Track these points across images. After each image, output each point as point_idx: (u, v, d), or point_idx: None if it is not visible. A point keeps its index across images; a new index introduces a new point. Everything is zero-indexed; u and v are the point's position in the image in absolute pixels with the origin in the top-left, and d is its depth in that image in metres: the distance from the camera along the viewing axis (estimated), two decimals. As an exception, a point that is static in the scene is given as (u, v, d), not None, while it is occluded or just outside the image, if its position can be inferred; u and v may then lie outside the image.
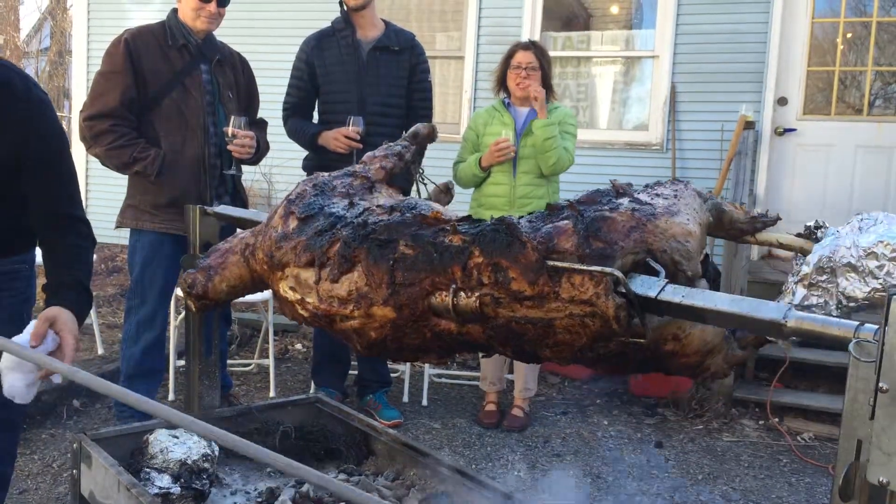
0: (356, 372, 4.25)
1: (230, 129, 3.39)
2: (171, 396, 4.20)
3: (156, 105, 3.38)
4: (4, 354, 1.82)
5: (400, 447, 2.28)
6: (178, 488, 2.02)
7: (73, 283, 2.05)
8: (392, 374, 4.34)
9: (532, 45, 4.07)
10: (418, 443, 2.75)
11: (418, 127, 2.23)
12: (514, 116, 4.02)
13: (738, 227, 1.68)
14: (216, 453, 2.14)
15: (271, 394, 4.35)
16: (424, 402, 4.38)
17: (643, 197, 1.49)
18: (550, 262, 1.35)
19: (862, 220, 1.44)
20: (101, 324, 4.97)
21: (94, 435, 2.19)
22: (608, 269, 1.30)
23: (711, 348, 1.49)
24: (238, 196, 3.65)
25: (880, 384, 1.02)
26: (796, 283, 1.43)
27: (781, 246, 1.66)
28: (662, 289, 1.30)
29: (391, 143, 2.14)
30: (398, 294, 1.52)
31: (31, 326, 1.89)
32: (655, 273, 1.34)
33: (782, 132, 5.73)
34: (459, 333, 1.51)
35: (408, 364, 4.45)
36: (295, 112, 3.96)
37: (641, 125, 6.22)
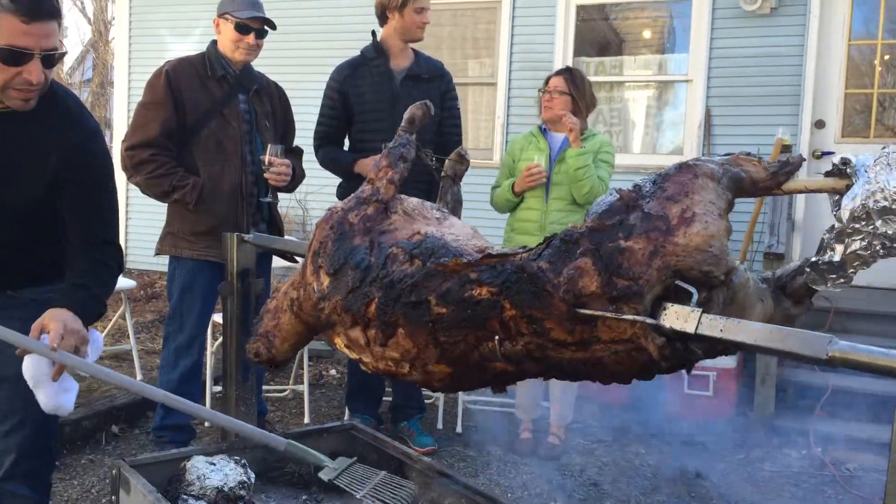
0: (390, 398, 4.25)
1: (267, 158, 3.43)
2: (206, 423, 4.22)
3: (195, 135, 3.45)
4: (25, 373, 1.91)
5: (434, 475, 2.26)
6: (215, 515, 2.03)
7: (81, 286, 2.07)
8: (426, 401, 4.33)
9: (565, 71, 4.09)
10: (453, 471, 2.73)
11: (412, 112, 2.16)
12: (549, 142, 4.03)
13: (762, 186, 1.52)
14: (252, 480, 2.15)
15: (306, 419, 4.36)
16: (459, 430, 4.35)
17: (654, 207, 1.38)
18: (581, 311, 1.35)
19: (890, 154, 1.36)
20: (140, 349, 5.03)
21: (133, 461, 2.21)
22: (640, 319, 1.29)
23: (770, 319, 1.46)
24: (274, 223, 3.69)
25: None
26: (833, 239, 1.37)
27: (811, 190, 1.54)
28: (699, 321, 1.27)
29: (389, 147, 2.08)
30: (448, 352, 1.56)
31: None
32: (689, 294, 1.32)
33: (820, 155, 5.65)
34: (518, 371, 1.53)
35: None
36: (327, 140, 3.98)
37: (676, 149, 6.18)
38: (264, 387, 4.42)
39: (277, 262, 3.98)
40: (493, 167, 6.41)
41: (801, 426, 4.39)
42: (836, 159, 1.45)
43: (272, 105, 3.68)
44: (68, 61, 18.45)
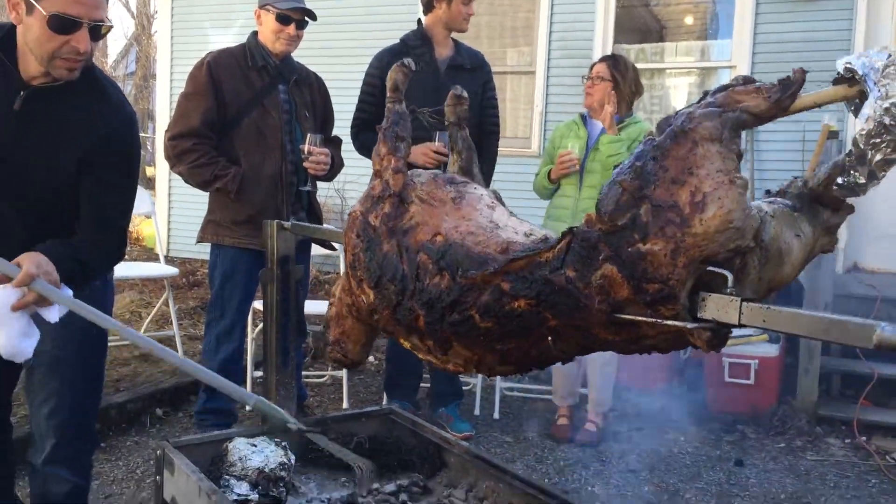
0: (428, 385, 4.28)
1: (306, 147, 3.47)
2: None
3: (236, 125, 3.50)
4: None
5: (472, 460, 2.28)
6: (256, 495, 2.07)
7: (69, 245, 2.06)
8: (464, 387, 4.35)
9: (609, 58, 4.08)
10: (491, 455, 2.75)
11: (392, 77, 2.08)
12: (588, 130, 4.01)
13: (765, 116, 1.39)
14: (292, 462, 2.19)
15: (345, 405, 4.41)
16: (496, 416, 4.37)
17: (660, 195, 1.29)
18: (620, 317, 1.36)
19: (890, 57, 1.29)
20: (183, 335, 5.13)
21: (177, 442, 2.26)
22: (680, 325, 1.30)
23: (811, 246, 1.45)
24: (313, 211, 3.73)
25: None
26: (855, 162, 1.31)
27: (820, 104, 1.41)
28: (740, 311, 1.25)
29: (382, 128, 2.01)
30: (507, 355, 1.61)
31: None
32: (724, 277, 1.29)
33: (867, 141, 5.52)
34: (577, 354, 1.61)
35: (480, 377, 4.45)
36: (365, 127, 3.98)
37: (718, 136, 6.08)
38: (304, 372, 4.48)
39: (316, 249, 4.03)
40: (531, 155, 6.40)
41: (845, 415, 4.32)
42: (839, 66, 1.35)
43: (312, 95, 3.71)
44: (112, 55, 18.81)
